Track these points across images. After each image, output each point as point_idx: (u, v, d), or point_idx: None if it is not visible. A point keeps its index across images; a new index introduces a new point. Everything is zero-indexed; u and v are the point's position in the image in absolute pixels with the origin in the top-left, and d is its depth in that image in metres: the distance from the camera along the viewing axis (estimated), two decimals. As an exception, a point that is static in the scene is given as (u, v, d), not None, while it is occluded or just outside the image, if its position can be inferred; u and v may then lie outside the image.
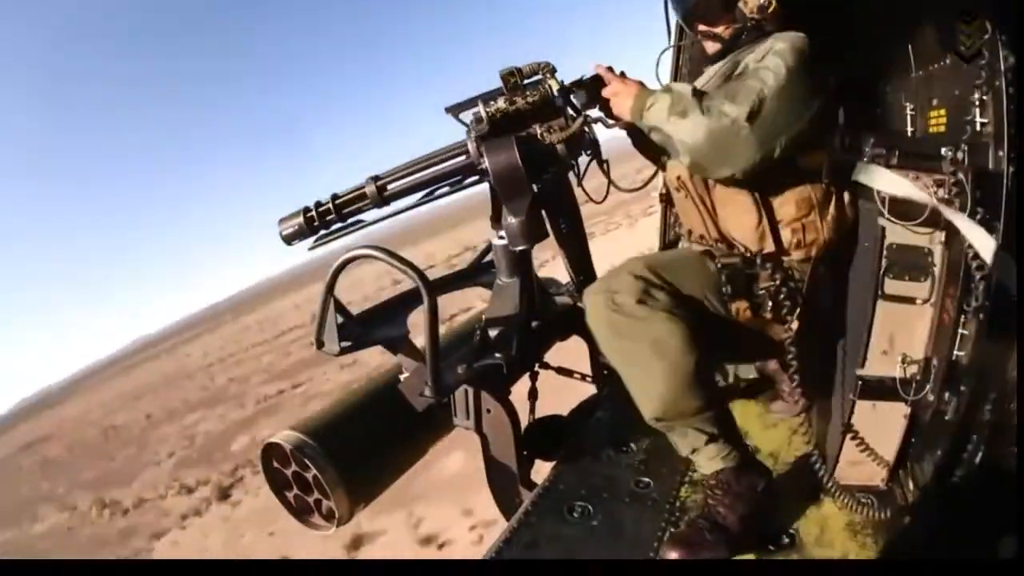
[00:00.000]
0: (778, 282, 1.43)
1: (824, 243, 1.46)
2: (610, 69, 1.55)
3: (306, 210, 1.53)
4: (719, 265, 1.43)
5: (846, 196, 1.47)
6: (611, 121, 1.58)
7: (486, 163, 1.47)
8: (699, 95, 1.35)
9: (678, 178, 1.55)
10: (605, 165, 1.62)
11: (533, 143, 1.49)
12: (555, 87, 1.51)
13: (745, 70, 1.41)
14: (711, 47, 1.59)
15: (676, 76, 2.16)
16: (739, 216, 1.46)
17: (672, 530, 1.46)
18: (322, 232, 1.55)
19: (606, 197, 1.67)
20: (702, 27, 1.56)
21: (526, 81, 1.52)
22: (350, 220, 1.54)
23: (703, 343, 1.32)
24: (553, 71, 1.51)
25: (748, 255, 1.46)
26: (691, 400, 1.32)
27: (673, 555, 1.33)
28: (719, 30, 1.53)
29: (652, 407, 1.33)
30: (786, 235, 1.45)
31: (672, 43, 1.94)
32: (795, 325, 1.45)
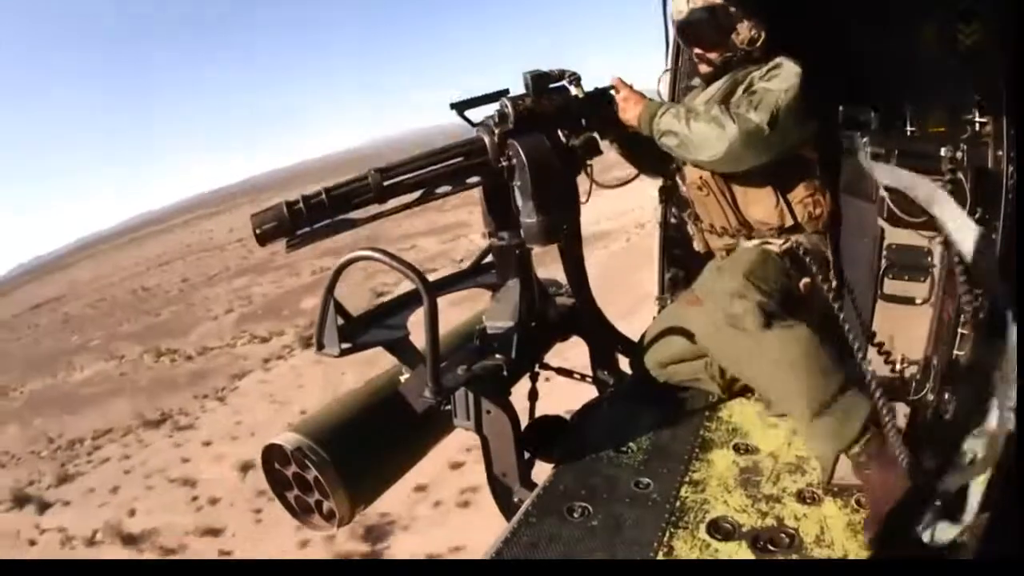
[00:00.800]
0: (810, 246, 1.66)
1: (830, 215, 1.71)
2: (621, 81, 1.74)
3: (290, 203, 1.34)
4: (779, 253, 1.65)
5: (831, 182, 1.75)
6: (615, 130, 1.75)
7: (508, 159, 1.49)
8: (720, 105, 1.58)
9: (700, 178, 1.76)
10: (590, 168, 1.72)
11: (555, 144, 1.56)
12: (580, 95, 1.64)
13: (752, 85, 1.64)
14: (704, 69, 1.81)
15: (673, 95, 2.22)
16: (760, 200, 1.71)
17: (672, 530, 1.46)
18: (304, 230, 1.36)
19: (588, 198, 1.73)
20: (697, 50, 1.78)
21: (552, 85, 1.61)
22: (339, 218, 1.39)
23: (818, 337, 1.46)
24: (578, 80, 1.65)
25: (776, 230, 1.69)
26: (829, 387, 1.42)
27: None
28: (712, 56, 1.75)
29: (800, 408, 1.45)
30: (799, 210, 1.69)
31: (669, 66, 2.13)
32: (835, 283, 1.67)
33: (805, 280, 1.62)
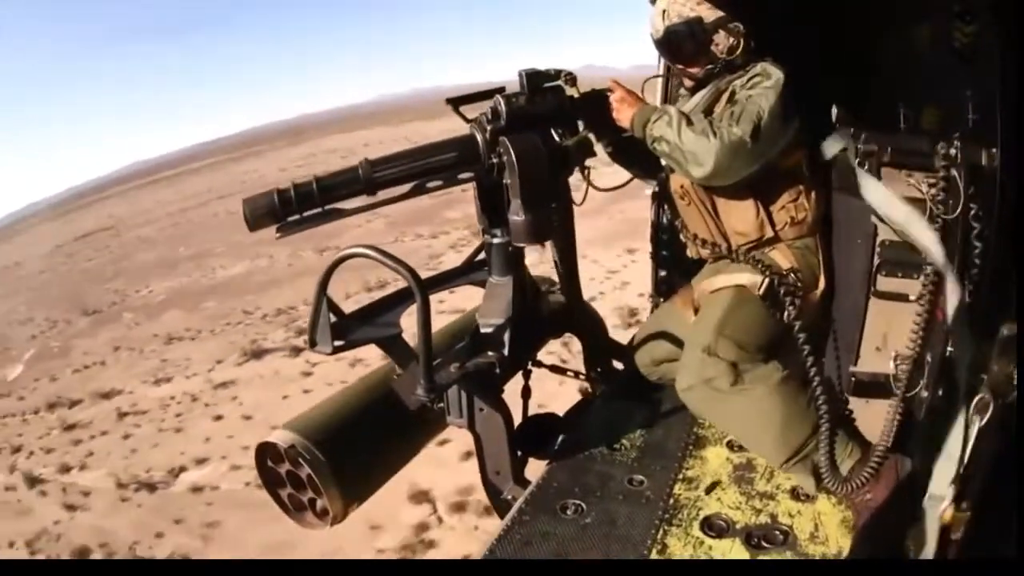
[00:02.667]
0: (793, 266, 1.68)
1: (813, 220, 1.72)
2: (617, 83, 1.73)
3: (280, 191, 1.35)
4: (759, 294, 1.63)
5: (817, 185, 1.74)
6: (610, 134, 1.75)
7: (499, 157, 1.48)
8: (706, 119, 1.56)
9: (681, 187, 1.76)
10: (588, 171, 1.70)
11: (548, 143, 1.54)
12: (575, 95, 1.62)
13: (735, 95, 1.64)
14: (687, 83, 1.82)
15: (666, 99, 2.21)
16: (740, 211, 1.70)
17: (666, 528, 1.46)
18: (294, 218, 1.37)
19: (584, 200, 1.72)
20: (679, 66, 1.79)
21: (546, 85, 1.59)
22: (328, 208, 1.39)
23: (793, 380, 1.53)
24: (574, 80, 1.63)
25: (755, 242, 1.71)
26: (803, 432, 1.50)
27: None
28: (694, 70, 1.75)
29: (777, 458, 1.53)
30: (781, 217, 1.70)
31: (661, 71, 2.11)
32: (822, 285, 1.72)
33: (788, 310, 1.58)
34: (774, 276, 1.62)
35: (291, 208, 1.35)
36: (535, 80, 1.56)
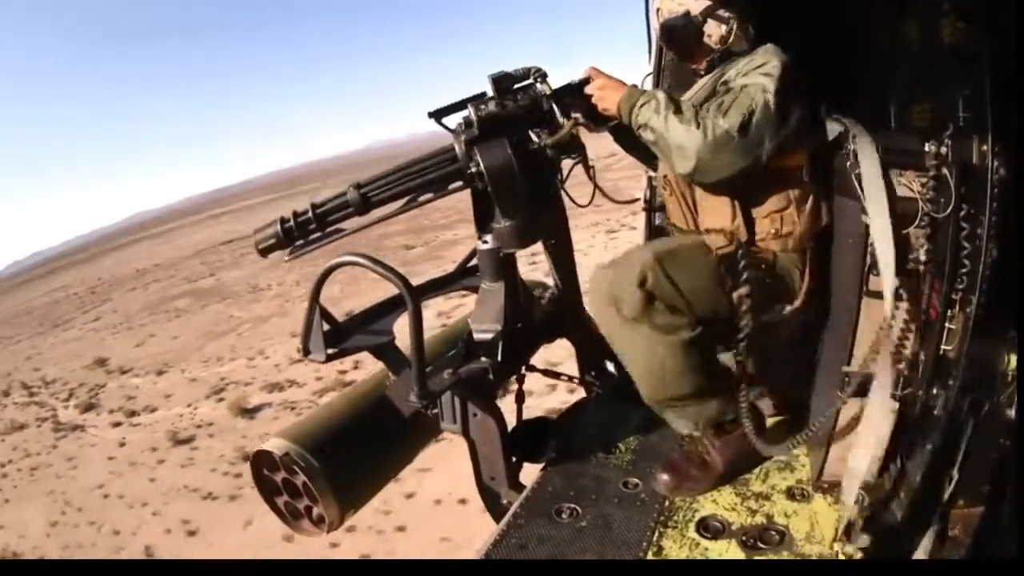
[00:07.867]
0: (765, 268, 1.57)
1: (801, 235, 1.58)
2: (596, 70, 1.64)
3: (283, 220, 1.47)
4: (717, 256, 1.53)
5: (820, 193, 1.62)
6: (597, 124, 1.65)
7: (476, 166, 1.47)
8: (694, 108, 1.47)
9: (665, 176, 1.70)
10: (592, 170, 1.66)
11: (525, 145, 1.52)
12: (546, 91, 1.57)
13: (729, 83, 1.54)
14: (695, 78, 1.75)
15: None
16: (716, 210, 1.60)
17: (661, 530, 1.46)
18: (299, 243, 1.48)
19: (591, 202, 1.69)
20: (686, 63, 1.75)
21: (516, 85, 1.56)
22: (329, 229, 1.48)
23: (699, 346, 1.49)
24: (544, 76, 1.58)
25: (736, 243, 1.58)
26: (681, 389, 1.52)
27: (664, 477, 1.57)
28: (697, 65, 1.70)
29: (645, 395, 1.56)
30: (763, 226, 1.58)
31: (652, 67, 2.08)
32: (799, 300, 1.61)
33: (741, 292, 1.51)
34: (741, 245, 1.54)
35: (293, 235, 1.47)
36: (503, 83, 1.53)
